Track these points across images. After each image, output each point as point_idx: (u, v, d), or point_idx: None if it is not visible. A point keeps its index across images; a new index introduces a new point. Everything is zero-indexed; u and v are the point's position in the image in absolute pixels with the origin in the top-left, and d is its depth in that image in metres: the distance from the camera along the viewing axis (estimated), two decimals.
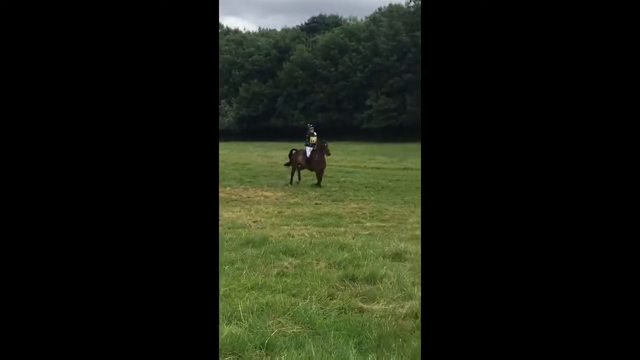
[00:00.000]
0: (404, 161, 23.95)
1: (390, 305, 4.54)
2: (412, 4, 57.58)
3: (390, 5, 59.69)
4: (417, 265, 6.06)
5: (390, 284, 5.22)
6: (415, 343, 3.78)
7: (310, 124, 20.86)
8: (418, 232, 8.72)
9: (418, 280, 5.43)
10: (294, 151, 18.18)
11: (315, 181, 17.23)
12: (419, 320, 4.26)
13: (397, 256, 6.47)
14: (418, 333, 4.01)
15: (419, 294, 4.84)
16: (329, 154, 17.51)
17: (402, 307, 4.51)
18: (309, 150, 17.54)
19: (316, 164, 17.24)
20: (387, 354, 3.56)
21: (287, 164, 18.75)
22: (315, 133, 18.17)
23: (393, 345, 3.74)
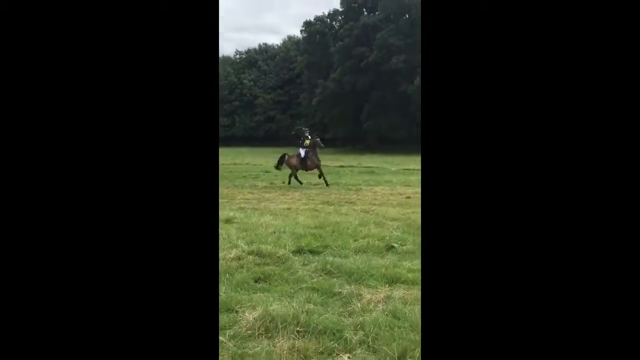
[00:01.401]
0: (235, 159, 23.77)
1: (222, 253, 4.46)
2: (237, 55, 57.18)
3: (223, 56, 58.48)
4: (242, 225, 6.04)
5: (223, 239, 5.12)
6: (239, 276, 3.77)
7: (305, 128, 15.01)
8: (243, 205, 8.66)
9: (242, 235, 5.40)
10: (286, 156, 13.02)
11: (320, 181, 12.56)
12: (242, 261, 4.25)
13: (228, 221, 6.37)
14: (241, 270, 3.99)
15: (242, 244, 4.82)
16: (322, 146, 12.86)
17: (230, 253, 4.44)
18: (303, 151, 12.75)
19: (311, 161, 12.51)
20: (219, 284, 3.51)
21: (282, 167, 13.28)
22: (309, 137, 13.04)
23: (223, 278, 3.70)
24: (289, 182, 12.68)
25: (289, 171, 13.02)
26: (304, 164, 12.61)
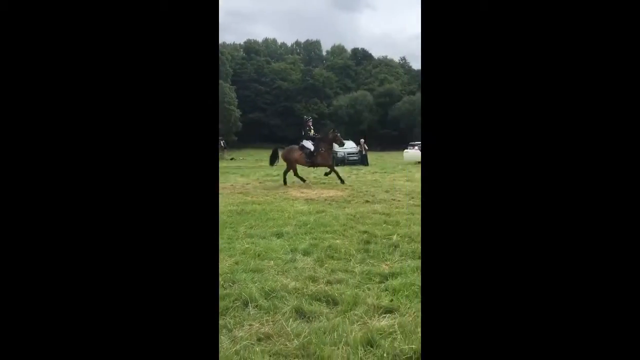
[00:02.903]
0: None
1: None
2: None
3: None
4: None
5: None
6: None
7: (307, 117, 9.07)
8: None
9: None
10: (279, 149, 8.53)
11: (336, 180, 8.02)
12: None
13: None
14: None
15: None
16: (342, 143, 8.36)
17: None
18: (310, 144, 8.02)
19: (322, 158, 7.97)
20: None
21: (272, 163, 8.58)
22: (312, 126, 8.51)
23: None
24: (284, 181, 8.02)
25: (283, 167, 8.47)
26: (312, 160, 8.04)
